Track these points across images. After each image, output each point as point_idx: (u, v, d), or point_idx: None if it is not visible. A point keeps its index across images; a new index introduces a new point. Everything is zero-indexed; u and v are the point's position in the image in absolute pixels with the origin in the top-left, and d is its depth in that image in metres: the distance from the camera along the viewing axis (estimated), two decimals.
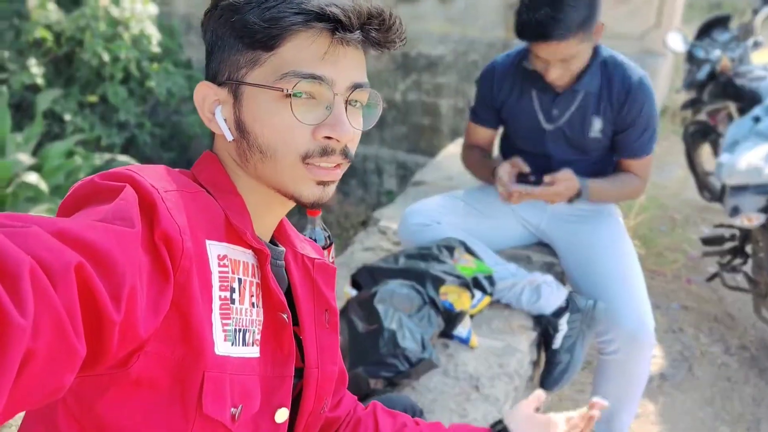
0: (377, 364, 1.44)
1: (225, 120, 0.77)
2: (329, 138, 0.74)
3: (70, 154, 4.10)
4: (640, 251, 2.54)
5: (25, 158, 3.73)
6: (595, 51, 1.87)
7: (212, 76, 0.78)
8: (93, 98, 4.53)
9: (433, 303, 1.63)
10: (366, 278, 1.74)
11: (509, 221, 2.08)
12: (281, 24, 0.71)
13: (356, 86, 0.75)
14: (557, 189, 1.84)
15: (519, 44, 1.98)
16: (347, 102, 0.75)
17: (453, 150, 3.10)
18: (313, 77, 0.72)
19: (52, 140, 4.30)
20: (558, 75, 1.81)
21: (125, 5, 4.40)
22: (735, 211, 2.30)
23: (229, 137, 0.77)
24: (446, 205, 2.04)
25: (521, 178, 1.94)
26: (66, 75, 4.60)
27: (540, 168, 1.98)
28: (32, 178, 3.62)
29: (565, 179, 1.85)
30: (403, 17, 0.78)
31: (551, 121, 1.95)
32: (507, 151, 2.13)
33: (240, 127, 0.76)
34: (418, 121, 4.93)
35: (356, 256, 2.14)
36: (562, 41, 1.70)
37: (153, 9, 4.59)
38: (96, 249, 0.55)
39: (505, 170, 1.92)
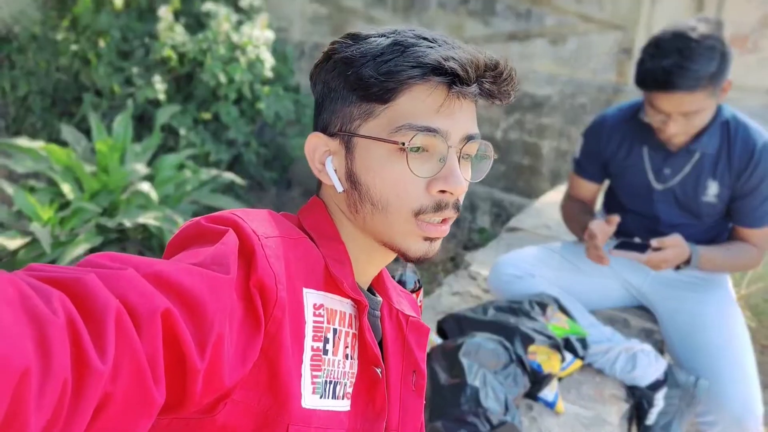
0: (457, 420, 1.39)
1: (336, 171, 0.77)
2: (443, 192, 0.73)
3: (180, 166, 4.33)
4: (750, 324, 2.35)
5: (141, 168, 3.97)
6: (717, 110, 1.76)
7: (323, 127, 0.78)
8: (207, 115, 4.79)
9: (521, 362, 1.56)
10: (452, 327, 1.70)
11: (608, 280, 1.98)
12: (398, 78, 0.71)
13: (469, 138, 0.74)
14: (665, 255, 1.72)
15: (631, 89, 1.89)
16: (460, 154, 0.74)
17: (553, 197, 3.01)
18: (429, 130, 0.71)
19: (166, 152, 4.56)
20: (677, 131, 1.70)
21: (244, 30, 4.63)
22: None
23: (339, 188, 0.77)
24: (541, 257, 1.97)
25: (625, 240, 1.83)
26: (185, 92, 4.89)
27: (647, 230, 1.87)
28: (145, 187, 3.84)
29: (674, 245, 1.73)
30: (512, 56, 0.76)
31: (662, 181, 1.84)
32: (611, 208, 2.03)
33: (351, 179, 0.76)
34: (517, 160, 4.85)
35: (443, 300, 2.10)
36: (689, 93, 1.60)
37: (270, 35, 4.81)
38: (187, 294, 0.55)
39: (599, 228, 1.79)
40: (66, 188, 3.85)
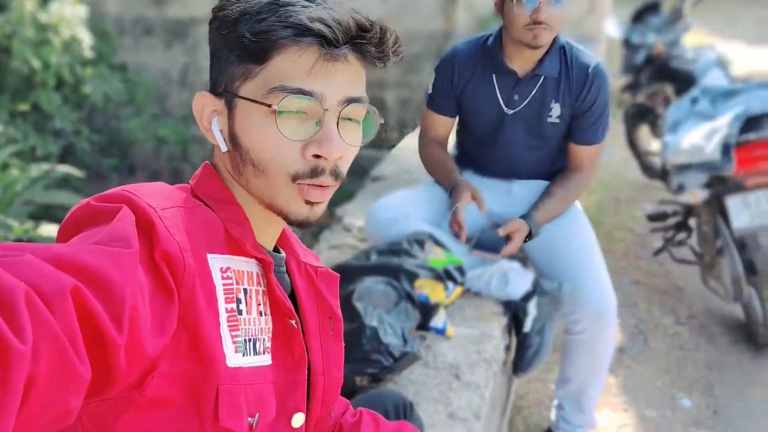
0: (361, 361, 1.45)
1: (221, 131, 0.77)
2: (318, 156, 0.73)
3: (5, 166, 3.92)
4: None
5: None
6: (555, 37, 1.93)
7: (212, 87, 0.78)
8: (24, 106, 4.34)
9: (409, 297, 1.65)
10: (340, 277, 1.74)
11: (473, 211, 2.12)
12: (270, 38, 0.70)
13: (349, 101, 0.73)
14: (515, 244, 1.89)
15: (459, 34, 2.01)
16: (340, 118, 0.73)
17: (407, 143, 3.13)
18: (302, 92, 0.71)
19: None
20: (547, 18, 1.79)
21: (53, 9, 4.22)
22: (681, 189, 2.42)
23: (223, 148, 0.77)
24: (412, 197, 2.06)
25: (479, 238, 1.95)
26: None
27: (499, 161, 2.03)
28: None
29: (516, 229, 1.90)
30: None
31: (512, 106, 1.98)
32: (464, 141, 2.16)
33: (233, 140, 0.76)
34: None
35: (323, 255, 2.14)
36: None
37: (82, 11, 4.42)
38: (93, 272, 0.55)
39: (463, 206, 1.92)
40: None
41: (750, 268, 2.48)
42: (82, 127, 4.60)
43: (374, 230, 2.00)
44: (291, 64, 0.71)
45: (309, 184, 0.74)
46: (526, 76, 1.94)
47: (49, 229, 3.47)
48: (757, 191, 2.35)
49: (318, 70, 0.71)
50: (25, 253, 0.52)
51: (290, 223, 0.78)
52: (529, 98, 1.95)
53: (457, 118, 2.15)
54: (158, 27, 5.11)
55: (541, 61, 1.91)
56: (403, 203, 2.02)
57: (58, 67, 4.22)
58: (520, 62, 1.93)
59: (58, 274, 0.51)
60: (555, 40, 1.92)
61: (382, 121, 0.81)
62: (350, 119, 0.75)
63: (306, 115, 0.72)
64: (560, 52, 1.93)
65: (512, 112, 1.98)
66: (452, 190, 1.98)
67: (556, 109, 1.95)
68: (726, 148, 2.29)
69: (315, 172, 0.73)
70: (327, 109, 0.72)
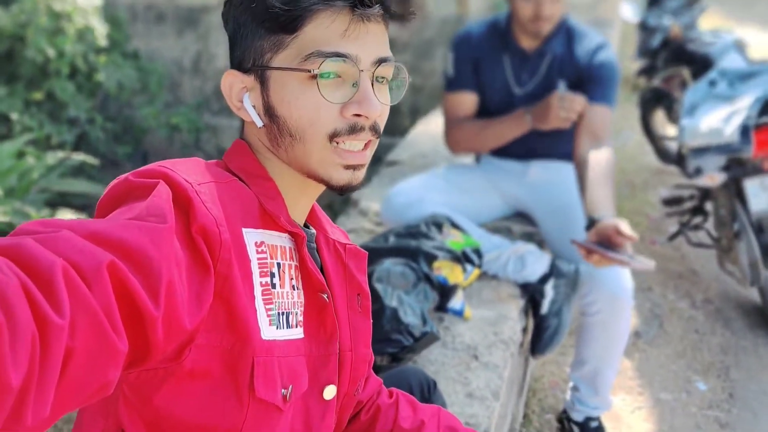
0: (382, 341, 1.46)
1: (254, 107, 0.78)
2: (358, 115, 0.74)
3: (20, 154, 3.95)
4: None
5: None
6: (563, 19, 2.00)
7: (237, 64, 0.79)
8: (38, 95, 4.37)
9: (428, 278, 1.66)
10: None
11: (489, 195, 2.13)
12: (301, 5, 0.72)
13: (381, 60, 0.76)
14: (628, 250, 1.71)
15: (472, 18, 2.05)
16: (374, 78, 0.75)
17: (421, 129, 3.13)
18: (338, 55, 0.72)
19: (0, 141, 4.13)
20: (549, 10, 1.87)
21: None
22: (698, 172, 2.40)
23: (259, 123, 0.77)
24: (427, 182, 2.07)
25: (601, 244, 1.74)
26: (7, 72, 4.41)
27: (513, 141, 2.03)
28: None
29: (623, 228, 1.70)
30: None
31: (521, 85, 2.03)
32: None
33: (269, 112, 0.76)
34: None
35: None
36: None
37: (96, 0, 4.43)
38: (129, 247, 0.56)
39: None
40: None
41: (767, 252, 2.46)
42: (96, 115, 4.62)
43: (391, 215, 2.01)
44: (325, 29, 0.73)
45: (347, 149, 0.75)
46: (534, 52, 2.01)
47: (66, 217, 3.51)
48: None
49: (351, 33, 0.73)
50: (62, 229, 0.53)
51: (332, 188, 0.78)
52: (538, 77, 2.02)
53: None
54: (170, 14, 5.12)
55: (548, 39, 1.99)
56: (419, 189, 2.03)
57: (72, 56, 4.24)
58: (528, 41, 2.01)
59: (94, 250, 0.52)
60: (563, 20, 2.00)
61: (410, 79, 0.83)
62: (381, 80, 0.77)
63: (341, 78, 0.74)
64: (567, 31, 2.00)
65: (522, 91, 2.04)
66: (528, 112, 1.94)
67: (562, 88, 1.99)
68: (745, 130, 2.27)
69: (354, 129, 0.75)
70: (362, 70, 0.74)
